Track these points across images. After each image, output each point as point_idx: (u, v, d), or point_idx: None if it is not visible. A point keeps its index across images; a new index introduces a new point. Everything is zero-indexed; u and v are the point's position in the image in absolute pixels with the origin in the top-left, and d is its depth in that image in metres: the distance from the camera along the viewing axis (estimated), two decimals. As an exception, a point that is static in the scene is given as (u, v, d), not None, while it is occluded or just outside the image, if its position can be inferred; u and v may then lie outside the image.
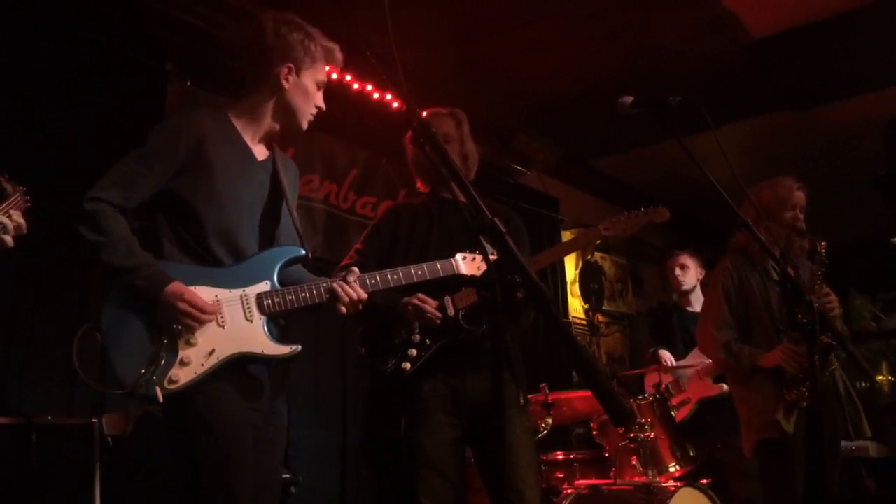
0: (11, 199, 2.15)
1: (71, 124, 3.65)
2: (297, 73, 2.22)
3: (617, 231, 2.81)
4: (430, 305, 2.55)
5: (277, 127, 2.29)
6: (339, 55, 2.31)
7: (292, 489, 3.59)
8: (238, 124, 2.25)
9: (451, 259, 2.40)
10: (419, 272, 2.33)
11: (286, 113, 2.26)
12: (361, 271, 2.32)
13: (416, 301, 2.56)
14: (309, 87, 2.24)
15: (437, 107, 2.90)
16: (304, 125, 2.29)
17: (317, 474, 4.19)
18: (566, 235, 6.59)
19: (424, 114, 2.85)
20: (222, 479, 1.95)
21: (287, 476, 3.55)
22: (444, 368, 2.60)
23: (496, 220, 1.28)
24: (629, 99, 2.40)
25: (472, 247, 2.45)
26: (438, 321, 2.56)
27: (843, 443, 5.31)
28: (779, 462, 3.13)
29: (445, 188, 2.79)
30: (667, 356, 4.49)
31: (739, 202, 3.00)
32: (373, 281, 2.22)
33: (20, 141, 3.44)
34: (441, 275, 2.36)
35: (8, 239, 2.10)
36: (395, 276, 2.27)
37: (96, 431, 3.05)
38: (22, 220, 2.14)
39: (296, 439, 4.21)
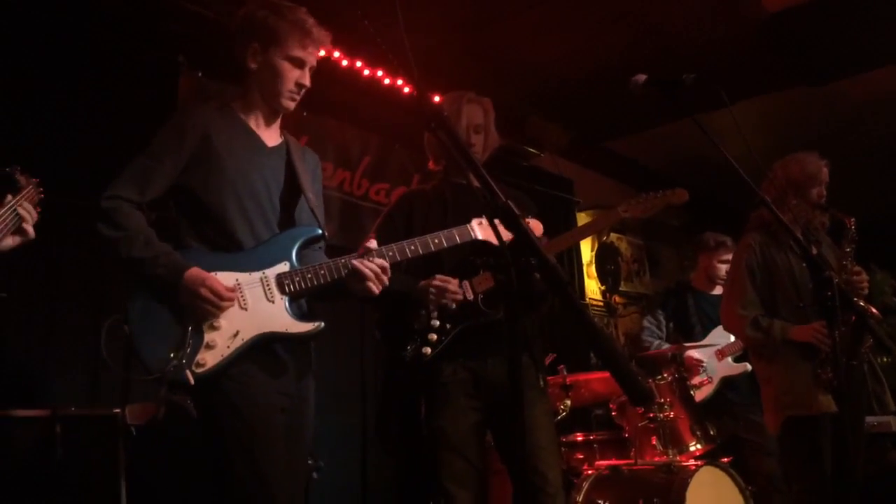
0: (25, 192, 2.17)
1: (85, 118, 3.67)
2: (264, 52, 2.23)
3: (636, 213, 2.79)
4: (452, 285, 2.55)
5: (274, 111, 2.31)
6: (313, 27, 2.25)
7: (314, 475, 3.62)
8: (241, 113, 2.31)
9: (467, 225, 2.39)
10: (436, 241, 2.32)
11: (264, 94, 2.27)
12: None
13: (437, 282, 2.55)
14: (279, 66, 2.22)
15: (455, 90, 2.88)
16: (286, 104, 2.27)
17: (338, 460, 4.22)
18: (581, 217, 6.56)
19: (453, 97, 2.84)
20: (253, 461, 1.98)
21: (309, 462, 3.58)
22: (464, 352, 2.60)
23: (510, 203, 1.28)
24: (642, 78, 2.39)
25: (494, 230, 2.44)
26: (461, 301, 2.56)
27: (867, 418, 5.29)
28: (807, 439, 3.12)
29: (458, 172, 2.79)
30: (695, 355, 4.46)
31: (756, 180, 2.97)
32: (390, 252, 2.22)
33: (35, 135, 3.46)
34: (458, 241, 2.36)
35: (29, 229, 2.13)
36: (413, 247, 2.27)
37: (120, 421, 3.08)
38: (33, 212, 2.17)
39: (317, 425, 4.24)
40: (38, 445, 2.88)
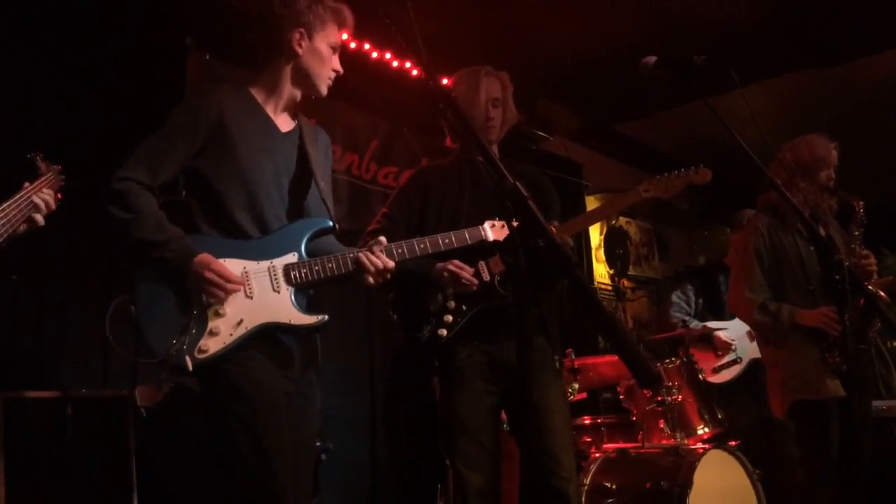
0: (44, 179, 2.17)
1: (93, 100, 3.67)
2: (310, 38, 2.24)
3: (657, 192, 2.73)
4: (466, 272, 2.52)
5: (298, 95, 2.30)
6: (348, 15, 2.30)
7: (323, 457, 3.64)
8: (259, 97, 2.28)
9: (480, 227, 2.37)
10: (447, 241, 2.30)
11: (303, 79, 2.27)
12: (390, 237, 2.33)
13: (452, 268, 2.53)
14: (323, 51, 2.25)
15: (483, 66, 2.84)
16: (324, 90, 2.29)
17: (347, 442, 4.24)
18: (590, 201, 6.53)
19: (470, 71, 2.81)
20: (257, 444, 1.98)
21: (317, 444, 3.60)
22: (480, 335, 2.58)
23: (518, 184, 1.27)
24: (652, 59, 2.37)
25: (504, 210, 2.43)
26: (475, 288, 2.53)
27: (875, 403, 5.28)
28: (814, 423, 3.12)
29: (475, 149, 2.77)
30: (723, 336, 4.43)
31: (767, 163, 2.94)
32: (399, 251, 2.22)
33: (44, 117, 3.46)
34: (469, 243, 2.34)
35: (39, 218, 2.14)
36: (423, 246, 2.25)
37: (130, 403, 3.11)
38: (51, 199, 2.17)
39: (325, 408, 4.25)
40: (49, 427, 2.91)
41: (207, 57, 4.05)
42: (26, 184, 2.13)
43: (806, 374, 3.12)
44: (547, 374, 2.60)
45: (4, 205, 2.05)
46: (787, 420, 3.26)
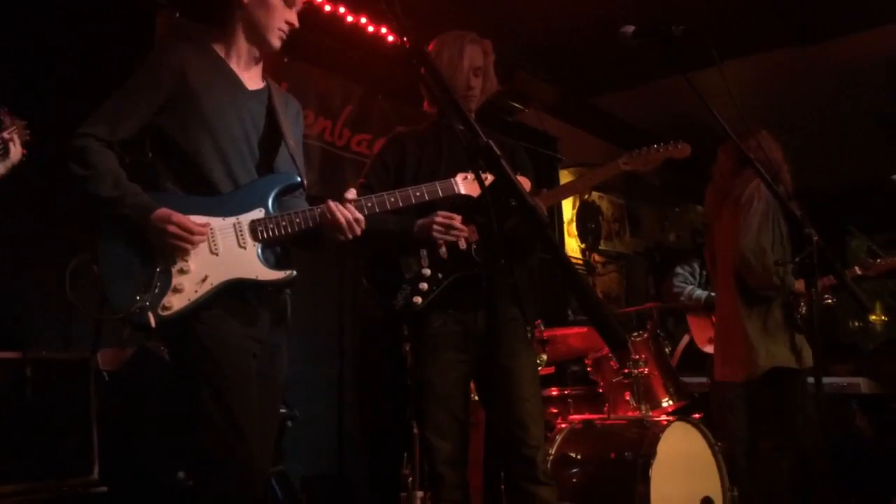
0: (9, 130, 2.11)
1: (60, 58, 3.56)
2: None
3: (636, 165, 2.73)
4: (457, 220, 2.49)
5: (256, 50, 2.25)
6: None
7: (289, 423, 3.63)
8: (221, 53, 2.24)
9: (451, 179, 2.33)
10: (417, 194, 2.26)
11: (253, 31, 2.22)
12: None
13: (441, 218, 2.49)
14: (270, 1, 2.18)
15: (467, 32, 2.79)
16: (274, 42, 2.22)
17: (314, 409, 4.22)
18: (564, 175, 6.53)
19: (455, 36, 2.77)
20: (224, 404, 1.97)
21: (283, 411, 3.57)
22: (454, 304, 2.55)
23: (492, 143, 1.24)
24: (631, 29, 2.36)
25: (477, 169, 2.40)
26: (465, 237, 2.49)
27: (834, 379, 5.38)
28: (775, 396, 3.20)
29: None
30: None
31: (743, 140, 2.94)
32: (369, 204, 2.17)
33: (7, 73, 3.36)
34: (440, 195, 2.30)
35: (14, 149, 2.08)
36: (393, 199, 2.21)
37: (92, 366, 3.05)
38: (20, 149, 2.12)
39: (292, 375, 4.23)
40: (7, 389, 2.85)
41: (177, 15, 3.95)
42: None
43: (773, 346, 3.17)
44: (518, 344, 2.59)
45: None
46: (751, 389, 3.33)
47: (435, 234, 2.50)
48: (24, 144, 2.16)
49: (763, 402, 3.35)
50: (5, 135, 2.05)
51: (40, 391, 2.89)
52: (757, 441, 3.50)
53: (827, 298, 3.91)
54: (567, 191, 2.90)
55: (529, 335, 2.68)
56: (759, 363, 3.24)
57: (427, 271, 2.55)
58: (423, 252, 2.56)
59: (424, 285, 2.54)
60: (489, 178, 2.23)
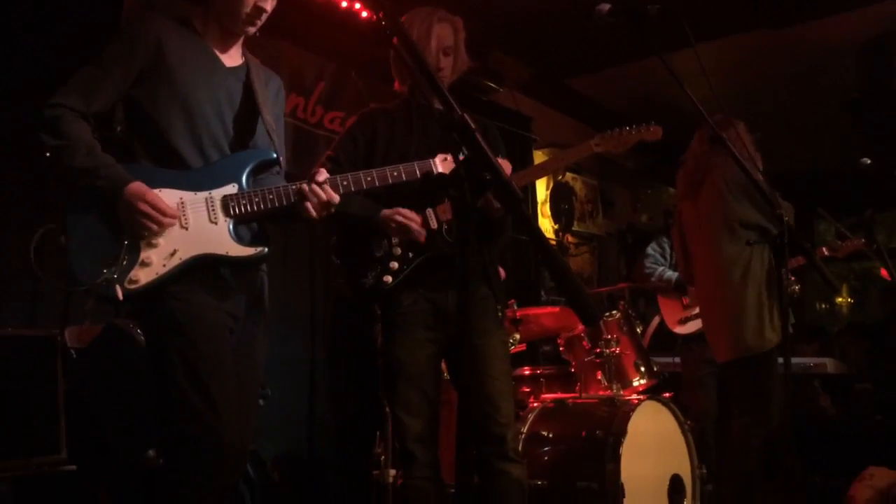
0: None
1: (24, 31, 3.47)
2: None
3: (609, 147, 2.72)
4: (415, 223, 2.48)
5: (231, 31, 2.21)
6: None
7: (261, 402, 3.60)
8: (199, 29, 2.21)
9: (430, 160, 2.32)
10: (395, 173, 2.24)
11: (223, 15, 2.17)
12: None
13: (399, 218, 2.48)
14: None
15: (436, 10, 2.73)
16: (245, 28, 2.18)
17: (285, 388, 4.20)
18: (538, 155, 6.53)
19: (423, 14, 2.70)
20: (199, 380, 1.95)
21: (256, 389, 3.56)
22: (425, 283, 2.55)
23: (466, 116, 1.23)
24: (606, 7, 2.35)
25: (451, 143, 2.38)
26: (423, 238, 2.50)
27: (801, 359, 5.48)
28: (757, 374, 3.27)
29: (425, 95, 2.69)
30: None
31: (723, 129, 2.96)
32: (345, 182, 2.16)
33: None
34: (418, 176, 2.29)
35: None
36: (369, 178, 2.19)
37: (59, 343, 3.00)
38: None
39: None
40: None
41: (145, -13, 3.86)
42: None
43: (759, 326, 3.23)
44: (489, 322, 2.59)
45: None
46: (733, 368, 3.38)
47: (392, 232, 2.51)
48: None
49: (736, 380, 3.40)
50: None
51: (6, 369, 2.83)
52: (727, 419, 3.56)
53: (794, 285, 3.98)
54: (539, 171, 2.89)
55: (500, 314, 2.67)
56: (751, 343, 3.29)
57: (398, 250, 2.54)
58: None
59: (395, 264, 2.53)
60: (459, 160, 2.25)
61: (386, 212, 2.51)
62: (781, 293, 2.48)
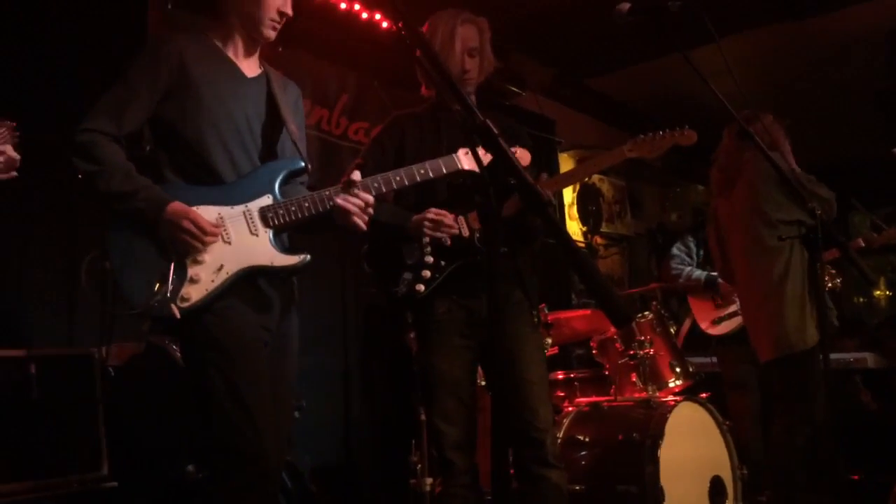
0: None
1: (52, 53, 3.53)
2: None
3: (641, 152, 2.67)
4: (448, 219, 2.48)
5: (252, 40, 2.23)
6: None
7: (296, 414, 3.62)
8: (218, 42, 2.23)
9: (453, 155, 2.31)
10: (422, 171, 2.25)
11: (246, 21, 2.20)
12: None
13: (432, 216, 2.48)
14: None
15: (460, 11, 2.72)
16: (267, 33, 2.20)
17: (320, 399, 4.23)
18: (563, 158, 6.51)
19: (447, 16, 2.70)
20: (238, 396, 1.96)
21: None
22: (458, 290, 2.54)
23: (488, 121, 1.23)
24: (626, 6, 2.32)
25: (473, 145, 2.37)
26: (457, 234, 2.49)
27: (841, 355, 5.38)
28: (800, 374, 3.21)
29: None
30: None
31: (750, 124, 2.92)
32: (376, 184, 2.17)
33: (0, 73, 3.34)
34: (444, 172, 2.29)
35: (8, 149, 2.05)
36: (398, 178, 2.21)
37: (97, 362, 3.05)
38: (14, 154, 2.09)
39: (298, 365, 4.24)
40: (13, 386, 2.84)
41: (169, 6, 3.92)
42: None
43: (801, 324, 3.18)
44: (524, 327, 2.57)
45: None
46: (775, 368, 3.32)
47: (425, 231, 2.50)
48: (15, 148, 2.12)
49: (779, 379, 3.33)
50: None
51: (46, 388, 2.88)
52: (769, 419, 3.49)
53: (835, 278, 3.90)
54: (570, 178, 2.85)
55: (535, 319, 2.65)
56: (793, 341, 3.23)
57: (430, 258, 2.54)
58: (426, 238, 2.55)
59: (427, 272, 2.53)
60: (481, 154, 2.25)
61: (416, 216, 2.51)
62: (818, 288, 2.43)
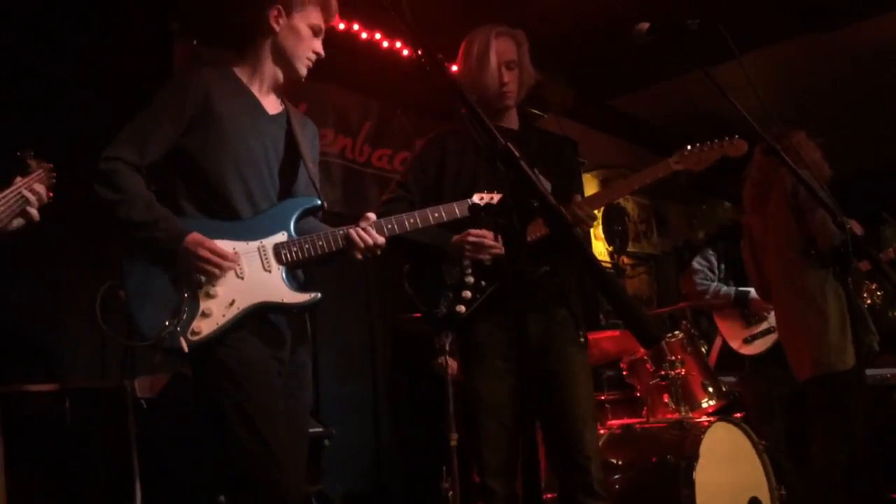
0: (34, 175, 2.12)
1: (79, 88, 3.62)
2: (288, 15, 2.22)
3: (689, 165, 2.58)
4: (488, 239, 2.43)
5: (280, 76, 2.28)
6: (333, 2, 2.28)
7: (326, 442, 3.62)
8: (243, 77, 2.26)
9: (468, 200, 2.28)
10: (436, 214, 2.24)
11: (281, 58, 2.24)
12: (405, 205, 2.30)
13: (473, 238, 2.44)
14: (301, 30, 2.22)
15: (495, 25, 2.69)
16: (302, 70, 2.25)
17: (349, 426, 4.22)
18: (587, 179, 6.49)
19: (481, 32, 2.67)
20: (252, 426, 1.97)
21: (320, 430, 3.58)
22: (500, 311, 2.48)
23: (511, 145, 1.23)
24: (645, 26, 2.32)
25: (490, 190, 2.32)
26: (500, 254, 2.43)
27: (878, 370, 5.26)
28: (838, 395, 3.13)
29: (493, 114, 2.64)
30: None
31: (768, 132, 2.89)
32: (389, 226, 2.18)
33: (29, 104, 3.41)
34: (458, 216, 2.26)
35: (34, 213, 2.10)
36: (412, 220, 2.20)
37: (129, 394, 3.08)
38: (42, 191, 2.12)
39: (326, 393, 4.25)
40: (48, 420, 2.88)
41: (194, 42, 4.00)
42: (17, 179, 2.07)
43: (841, 343, 3.10)
44: (569, 347, 2.51)
45: None
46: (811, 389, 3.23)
47: (466, 252, 2.46)
48: (50, 188, 2.16)
49: (819, 398, 3.25)
50: (23, 189, 2.04)
51: (80, 421, 2.92)
52: (807, 438, 3.41)
53: (875, 293, 3.81)
54: (613, 193, 2.77)
55: (581, 338, 2.56)
56: (833, 360, 3.15)
57: (470, 279, 2.49)
58: (466, 259, 2.51)
59: (468, 293, 2.48)
60: (496, 197, 2.22)
61: (456, 237, 2.47)
62: (851, 304, 2.39)
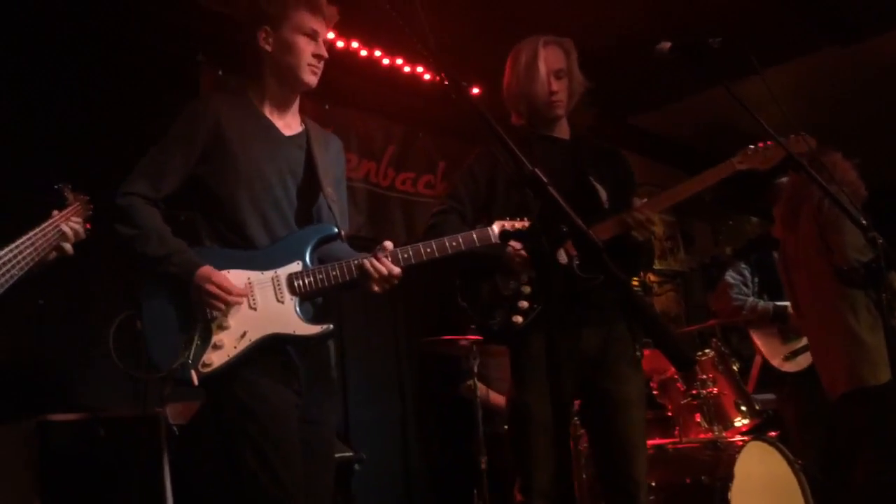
0: (72, 207, 2.16)
1: (107, 119, 3.68)
2: (275, 31, 2.19)
3: (753, 164, 2.50)
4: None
5: (289, 92, 2.26)
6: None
7: (356, 467, 3.62)
8: (257, 101, 2.25)
9: (489, 228, 2.22)
10: (454, 243, 2.16)
11: (284, 74, 2.22)
12: (456, 216, 2.27)
13: (524, 253, 2.35)
14: (293, 41, 2.18)
15: (542, 35, 2.66)
16: (308, 78, 2.21)
17: (379, 450, 4.22)
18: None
19: (528, 43, 2.65)
20: (265, 461, 1.96)
21: (350, 454, 3.57)
22: (557, 324, 2.43)
23: (537, 171, 1.23)
24: (667, 45, 2.31)
25: (577, 185, 2.32)
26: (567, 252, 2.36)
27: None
28: (875, 410, 3.09)
29: (545, 124, 2.63)
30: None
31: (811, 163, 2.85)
32: (405, 255, 2.13)
33: (59, 136, 3.48)
34: (477, 245, 2.19)
35: (68, 247, 2.13)
36: (429, 250, 2.14)
37: (162, 421, 3.10)
38: (79, 227, 2.16)
39: (354, 417, 4.25)
40: (82, 449, 2.90)
41: (220, 73, 4.06)
42: (55, 212, 2.11)
43: (871, 356, 3.06)
44: (626, 367, 2.45)
45: (31, 233, 2.02)
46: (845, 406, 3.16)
47: (516, 267, 2.39)
48: (87, 220, 2.20)
49: (859, 415, 3.19)
50: (61, 223, 2.08)
51: (113, 450, 2.94)
52: (846, 457, 3.34)
53: None
54: (675, 195, 2.72)
55: (638, 354, 2.50)
56: (865, 374, 3.10)
57: (527, 288, 2.41)
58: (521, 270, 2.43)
59: (524, 303, 2.40)
60: (524, 224, 2.18)
61: (510, 249, 2.40)
62: (884, 318, 2.35)
